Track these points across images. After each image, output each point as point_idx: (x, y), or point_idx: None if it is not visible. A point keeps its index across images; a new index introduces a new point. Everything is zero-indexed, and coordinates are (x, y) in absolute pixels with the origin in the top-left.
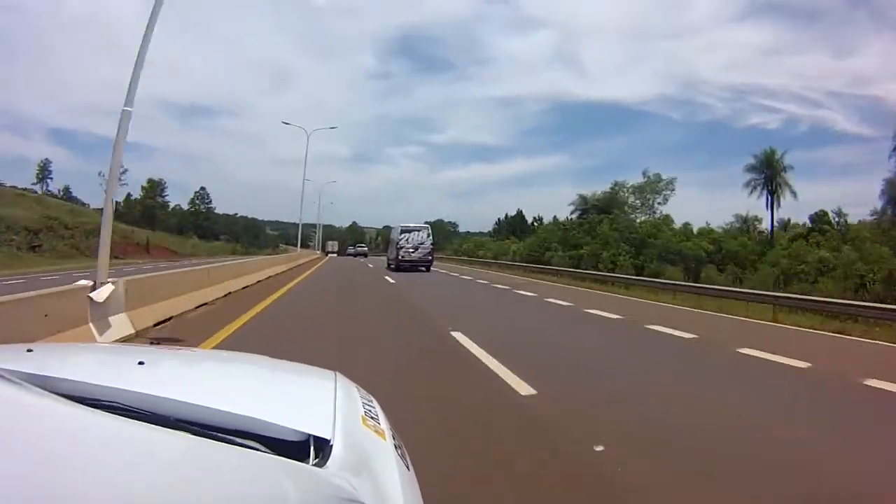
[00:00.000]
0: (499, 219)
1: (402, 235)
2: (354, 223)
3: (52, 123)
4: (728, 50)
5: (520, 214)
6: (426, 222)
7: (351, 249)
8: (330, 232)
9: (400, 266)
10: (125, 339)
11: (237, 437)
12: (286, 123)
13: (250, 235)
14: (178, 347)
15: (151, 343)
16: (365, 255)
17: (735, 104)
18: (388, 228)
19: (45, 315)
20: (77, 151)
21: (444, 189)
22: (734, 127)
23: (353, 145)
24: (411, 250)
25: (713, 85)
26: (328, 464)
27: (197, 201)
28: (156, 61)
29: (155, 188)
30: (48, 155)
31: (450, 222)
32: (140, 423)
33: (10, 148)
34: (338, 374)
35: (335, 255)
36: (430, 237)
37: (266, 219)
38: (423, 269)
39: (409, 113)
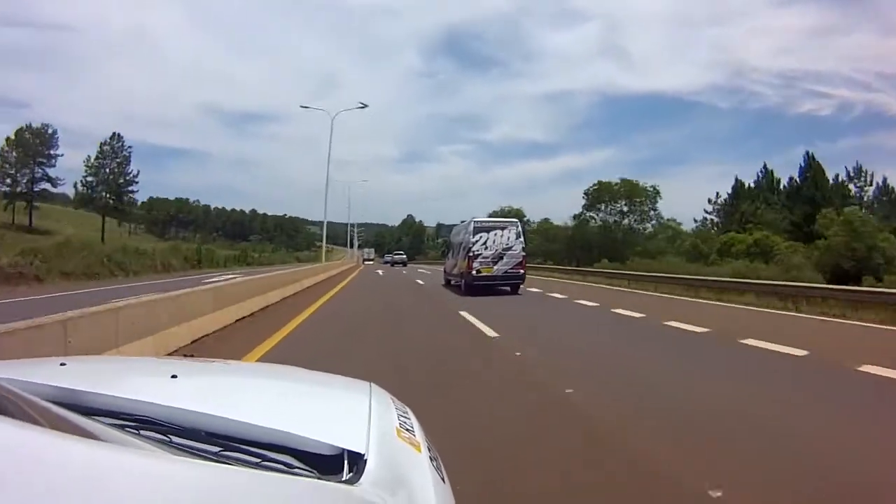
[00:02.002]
0: (740, 182)
1: (478, 236)
2: (409, 216)
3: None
4: (776, 34)
5: (819, 170)
6: (553, 217)
7: (388, 257)
8: (382, 231)
9: (472, 286)
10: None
11: (270, 451)
12: (305, 107)
13: (284, 234)
14: (212, 360)
15: (185, 357)
16: (404, 263)
17: (786, 91)
18: (444, 227)
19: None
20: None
21: (495, 186)
22: (786, 115)
23: (403, 145)
24: (491, 260)
25: (763, 72)
26: (362, 479)
27: (103, 158)
28: (208, 73)
29: (30, 143)
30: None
31: (646, 187)
32: (158, 454)
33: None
34: (372, 384)
35: (371, 262)
36: (521, 239)
37: (316, 219)
38: (508, 288)
39: (458, 111)
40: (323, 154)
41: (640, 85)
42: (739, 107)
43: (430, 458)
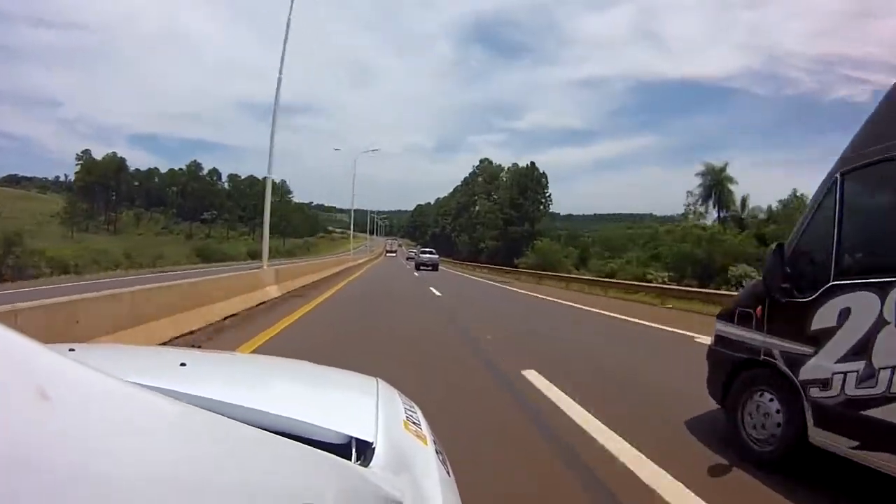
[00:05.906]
0: None
1: None
2: (486, 160)
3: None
4: (812, 17)
5: None
6: None
7: (413, 253)
8: (427, 209)
9: None
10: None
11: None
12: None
13: (287, 219)
14: (220, 351)
15: (194, 346)
16: (435, 266)
17: (822, 76)
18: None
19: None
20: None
21: None
22: (822, 101)
23: (437, 135)
24: None
25: (799, 56)
26: (370, 465)
27: None
28: (239, 66)
29: None
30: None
31: None
32: (195, 407)
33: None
34: (379, 380)
35: (394, 254)
36: None
37: (345, 207)
38: None
39: (491, 100)
40: (350, 144)
41: (676, 70)
42: (775, 93)
43: (436, 451)
